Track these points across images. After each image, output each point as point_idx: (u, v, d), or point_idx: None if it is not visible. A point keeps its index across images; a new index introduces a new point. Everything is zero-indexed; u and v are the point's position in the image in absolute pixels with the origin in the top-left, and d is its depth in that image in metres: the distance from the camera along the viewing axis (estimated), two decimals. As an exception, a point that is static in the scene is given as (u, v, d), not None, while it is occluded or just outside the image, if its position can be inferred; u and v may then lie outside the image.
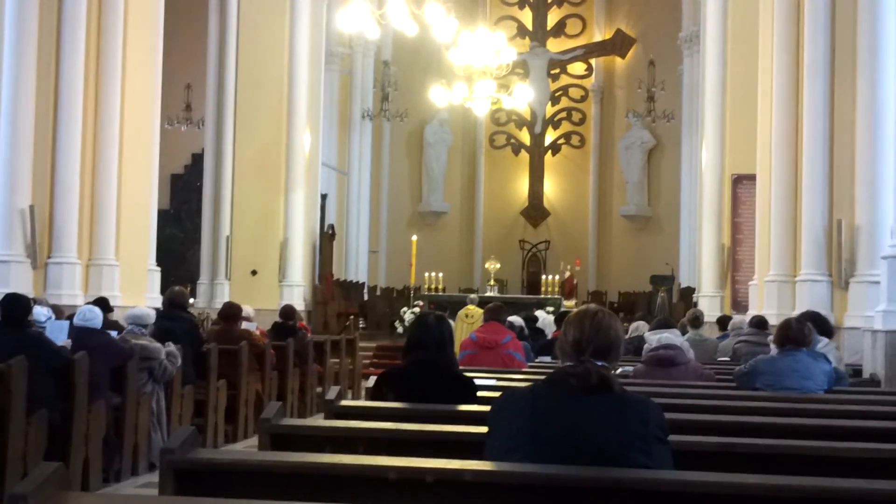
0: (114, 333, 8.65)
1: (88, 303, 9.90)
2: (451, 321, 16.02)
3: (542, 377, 3.52)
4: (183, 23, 21.29)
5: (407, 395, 4.89)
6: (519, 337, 9.92)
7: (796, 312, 11.64)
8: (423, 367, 5.08)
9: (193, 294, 19.67)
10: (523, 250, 31.84)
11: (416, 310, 20.49)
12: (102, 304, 9.53)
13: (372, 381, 5.36)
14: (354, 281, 26.80)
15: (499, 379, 6.94)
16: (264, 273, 20.29)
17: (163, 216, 19.49)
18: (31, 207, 12.50)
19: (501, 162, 32.63)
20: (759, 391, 6.60)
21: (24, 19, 12.46)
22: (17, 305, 7.55)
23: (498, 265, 27.15)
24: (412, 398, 4.86)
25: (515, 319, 11.87)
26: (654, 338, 7.84)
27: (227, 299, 17.17)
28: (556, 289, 26.84)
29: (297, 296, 20.25)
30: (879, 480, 3.15)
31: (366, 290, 26.97)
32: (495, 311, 9.17)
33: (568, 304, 23.39)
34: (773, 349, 7.13)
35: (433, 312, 6.08)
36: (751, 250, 16.44)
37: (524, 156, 32.67)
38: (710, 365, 9.14)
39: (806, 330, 6.78)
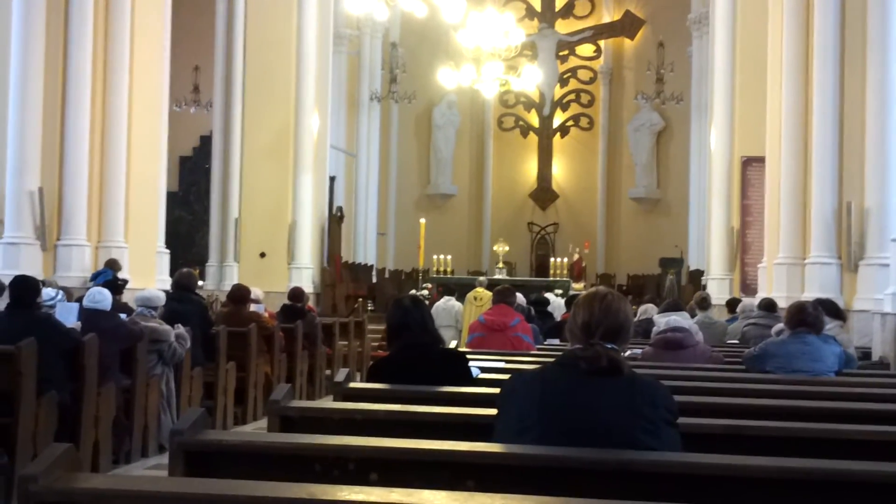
0: (123, 316, 8.67)
1: (98, 278, 9.93)
2: (458, 303, 15.97)
3: (551, 360, 3.52)
4: (191, 4, 21.27)
5: (401, 381, 4.90)
6: (526, 319, 9.91)
7: (805, 295, 11.66)
8: (411, 351, 5.09)
9: (202, 276, 19.70)
10: (532, 233, 31.82)
11: (425, 292, 20.49)
12: (112, 286, 9.55)
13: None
14: (363, 263, 26.82)
15: (507, 361, 6.94)
16: (273, 255, 20.31)
17: (171, 198, 19.52)
18: (41, 190, 12.52)
19: (510, 144, 32.57)
20: (769, 374, 6.59)
21: (32, 3, 12.46)
22: (27, 287, 7.57)
23: (506, 248, 27.13)
24: (406, 383, 4.87)
25: (520, 297, 11.79)
26: (663, 320, 7.83)
27: (235, 282, 17.19)
28: (565, 271, 26.83)
29: (306, 278, 20.27)
30: (889, 463, 3.14)
31: (374, 273, 26.98)
32: (503, 294, 9.16)
33: (576, 286, 23.40)
34: (784, 329, 7.11)
35: (408, 295, 6.10)
36: (760, 233, 16.41)
37: (532, 138, 32.60)
38: (719, 348, 9.13)
39: (821, 316, 6.76)
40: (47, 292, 8.76)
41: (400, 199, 30.67)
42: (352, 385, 4.94)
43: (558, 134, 32.51)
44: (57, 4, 12.68)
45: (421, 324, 5.15)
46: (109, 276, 11.56)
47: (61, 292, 9.46)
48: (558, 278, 25.33)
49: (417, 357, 5.04)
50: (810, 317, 6.67)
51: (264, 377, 11.15)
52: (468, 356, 5.67)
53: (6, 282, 9.36)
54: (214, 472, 3.16)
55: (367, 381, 5.19)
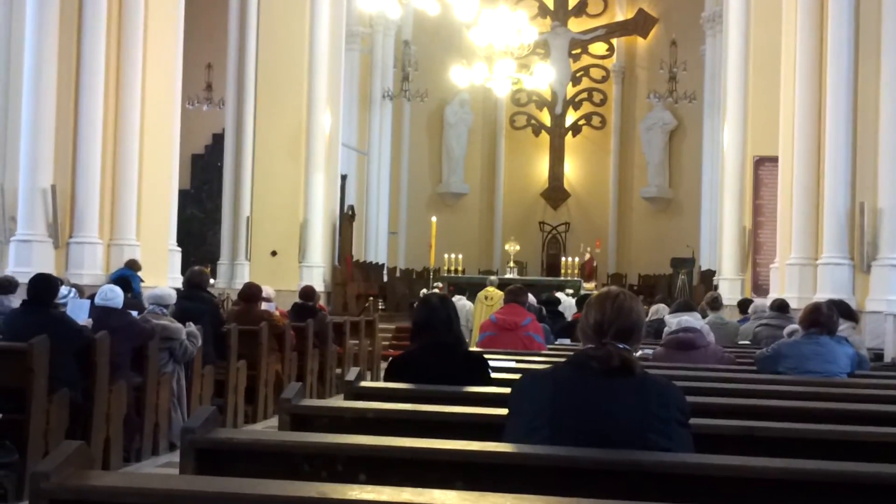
0: (135, 313, 8.68)
1: (113, 279, 9.95)
2: (468, 302, 15.95)
3: (562, 359, 3.51)
4: (204, 2, 21.30)
5: (420, 378, 4.89)
6: (538, 319, 9.89)
7: (818, 296, 11.62)
8: (434, 350, 5.07)
9: (214, 274, 19.73)
10: (543, 232, 31.80)
11: (436, 291, 20.49)
12: (124, 284, 9.56)
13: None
14: (374, 262, 26.83)
15: (518, 361, 6.93)
16: (284, 254, 20.34)
17: (183, 196, 19.56)
18: (53, 187, 12.56)
19: (522, 143, 32.55)
20: (781, 375, 6.56)
21: (46, 1, 12.49)
22: (47, 287, 7.59)
23: (518, 247, 27.13)
24: (425, 381, 4.86)
25: (530, 298, 11.78)
26: (674, 321, 7.80)
27: (247, 280, 17.23)
28: (576, 271, 26.83)
29: (317, 277, 20.29)
30: (902, 465, 3.13)
31: (385, 272, 26.99)
32: (515, 293, 9.15)
33: (588, 286, 23.39)
34: (796, 330, 7.10)
35: (436, 293, 6.06)
36: (772, 233, 16.36)
37: (544, 137, 32.58)
38: (731, 348, 9.11)
39: (835, 317, 6.74)
40: (62, 290, 8.80)
41: (411, 197, 30.67)
42: (362, 384, 4.94)
43: (570, 133, 32.47)
44: (70, 3, 12.72)
45: (446, 323, 5.13)
46: (130, 274, 11.55)
47: (73, 290, 9.50)
48: (569, 278, 25.32)
49: (440, 357, 5.03)
50: (823, 317, 6.64)
51: (275, 375, 11.16)
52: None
53: (20, 280, 9.42)
54: (225, 471, 3.16)
55: (386, 376, 5.19)
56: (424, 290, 22.03)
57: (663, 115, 30.30)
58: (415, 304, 21.92)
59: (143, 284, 12.11)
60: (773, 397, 5.41)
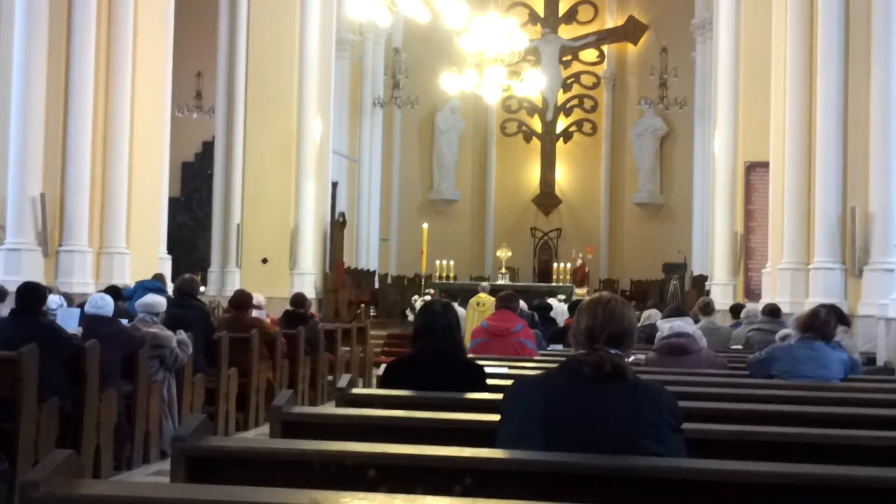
0: (125, 321, 8.65)
1: (100, 291, 9.91)
2: (461, 308, 15.97)
3: (554, 365, 3.50)
4: (193, 11, 21.28)
5: (417, 383, 4.88)
6: (530, 325, 9.88)
7: (810, 300, 11.64)
8: (433, 355, 5.06)
9: (204, 282, 19.70)
10: (535, 238, 31.82)
11: (427, 298, 20.47)
12: (114, 292, 9.53)
13: (383, 368, 5.35)
14: (365, 269, 26.81)
15: (510, 367, 6.92)
16: (275, 261, 20.32)
17: (173, 204, 19.54)
18: (42, 195, 12.53)
19: (513, 149, 32.57)
20: (773, 378, 6.56)
21: (34, 8, 12.48)
22: (35, 295, 7.57)
23: (509, 253, 27.11)
24: (422, 387, 4.85)
25: (522, 305, 11.76)
26: (667, 326, 7.81)
27: (237, 287, 17.18)
28: (568, 277, 26.80)
29: (308, 284, 20.28)
30: (893, 468, 3.12)
31: (377, 278, 26.97)
32: (507, 300, 9.14)
33: (580, 291, 23.38)
34: (788, 335, 7.10)
35: (439, 300, 6.06)
36: (764, 238, 16.39)
37: (535, 143, 32.61)
38: (723, 353, 9.11)
39: (832, 323, 6.73)
40: (53, 299, 8.76)
41: (402, 204, 30.67)
42: (354, 391, 4.92)
43: (561, 139, 32.50)
44: (60, 11, 12.70)
45: (446, 330, 5.12)
46: (160, 286, 11.50)
47: (63, 299, 9.46)
48: (561, 284, 25.30)
49: (437, 362, 5.02)
50: (819, 322, 6.63)
51: (266, 383, 11.13)
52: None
53: (9, 288, 9.39)
54: (216, 479, 3.14)
55: (382, 379, 5.19)
56: (416, 297, 22.04)
57: (654, 121, 30.36)
58: (406, 311, 21.87)
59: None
60: (766, 401, 5.41)
